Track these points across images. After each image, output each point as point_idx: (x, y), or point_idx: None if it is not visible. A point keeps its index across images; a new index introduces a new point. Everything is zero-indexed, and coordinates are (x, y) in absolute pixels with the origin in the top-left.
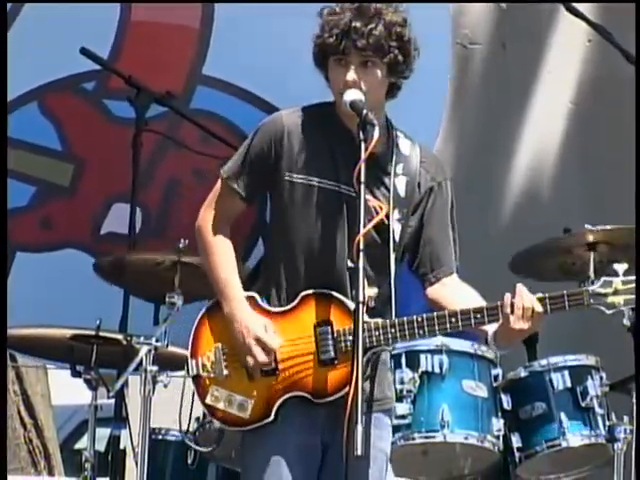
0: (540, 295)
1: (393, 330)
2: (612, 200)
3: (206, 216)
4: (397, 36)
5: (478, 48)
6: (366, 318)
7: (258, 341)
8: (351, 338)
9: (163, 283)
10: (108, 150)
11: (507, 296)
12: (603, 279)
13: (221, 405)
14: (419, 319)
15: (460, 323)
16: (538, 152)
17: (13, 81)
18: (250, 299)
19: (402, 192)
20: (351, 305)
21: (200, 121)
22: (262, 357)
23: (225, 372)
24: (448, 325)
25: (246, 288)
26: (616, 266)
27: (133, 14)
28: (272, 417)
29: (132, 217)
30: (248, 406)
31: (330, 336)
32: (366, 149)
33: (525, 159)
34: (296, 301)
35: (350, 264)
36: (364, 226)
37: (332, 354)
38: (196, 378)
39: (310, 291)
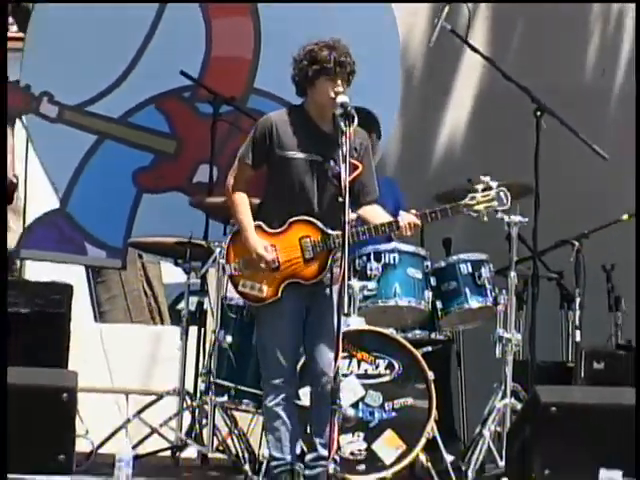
0: (421, 212)
1: (338, 240)
2: (498, 164)
3: (231, 181)
4: (352, 59)
5: (417, 72)
6: (330, 231)
7: (260, 257)
8: (322, 245)
9: (228, 212)
10: (197, 132)
11: (400, 217)
12: (470, 195)
13: (247, 290)
14: (353, 232)
15: (373, 232)
16: (451, 137)
17: (138, 91)
18: (257, 227)
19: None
20: (321, 225)
21: (253, 116)
22: (263, 266)
23: (247, 271)
24: (368, 234)
25: (254, 217)
26: (483, 178)
27: (213, 51)
28: (279, 295)
29: (211, 173)
30: (264, 289)
31: (310, 244)
32: (347, 133)
33: (443, 142)
34: (286, 225)
35: (340, 199)
36: (339, 177)
37: (312, 254)
38: (231, 276)
39: (294, 218)
